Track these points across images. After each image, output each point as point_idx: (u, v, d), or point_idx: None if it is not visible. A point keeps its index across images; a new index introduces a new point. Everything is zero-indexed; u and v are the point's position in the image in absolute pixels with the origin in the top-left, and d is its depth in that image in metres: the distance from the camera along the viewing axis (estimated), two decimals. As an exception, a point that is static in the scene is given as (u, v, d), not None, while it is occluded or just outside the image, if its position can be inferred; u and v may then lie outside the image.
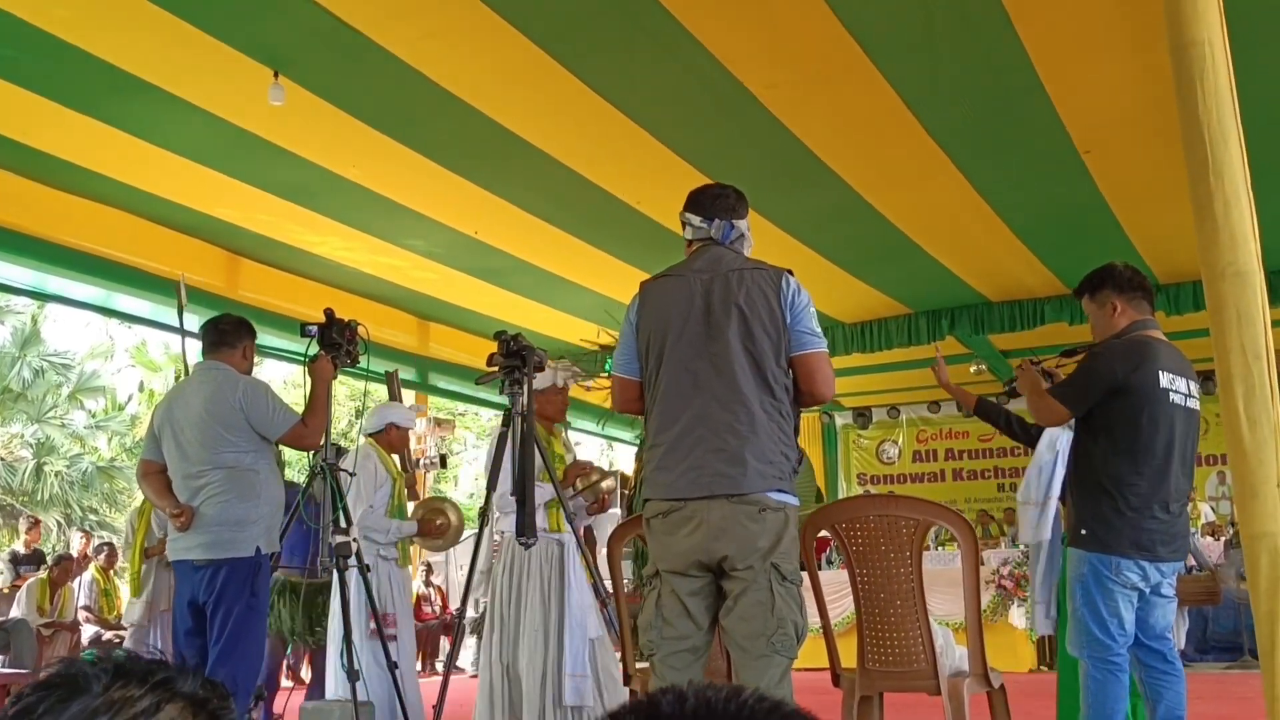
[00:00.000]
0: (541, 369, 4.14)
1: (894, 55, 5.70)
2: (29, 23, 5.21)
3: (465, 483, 27.03)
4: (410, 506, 5.51)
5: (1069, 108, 6.31)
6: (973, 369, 13.08)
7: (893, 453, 16.05)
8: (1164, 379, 3.41)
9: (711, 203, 3.06)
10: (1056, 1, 5.26)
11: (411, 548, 5.58)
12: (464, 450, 26.74)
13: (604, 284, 9.81)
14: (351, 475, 4.50)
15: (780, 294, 2.86)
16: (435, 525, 5.52)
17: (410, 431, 5.56)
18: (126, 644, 6.75)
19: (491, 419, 25.91)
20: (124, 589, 8.39)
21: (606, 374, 12.48)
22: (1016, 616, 9.15)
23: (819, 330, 2.93)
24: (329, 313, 4.18)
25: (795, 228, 8.28)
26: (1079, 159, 7.01)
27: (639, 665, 3.54)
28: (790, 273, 2.94)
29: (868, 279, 9.77)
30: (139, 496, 6.75)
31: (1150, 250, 8.71)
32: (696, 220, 3.03)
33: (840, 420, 16.36)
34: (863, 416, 16.04)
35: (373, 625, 4.50)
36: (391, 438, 5.31)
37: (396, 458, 5.31)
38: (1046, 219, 8.28)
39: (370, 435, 5.32)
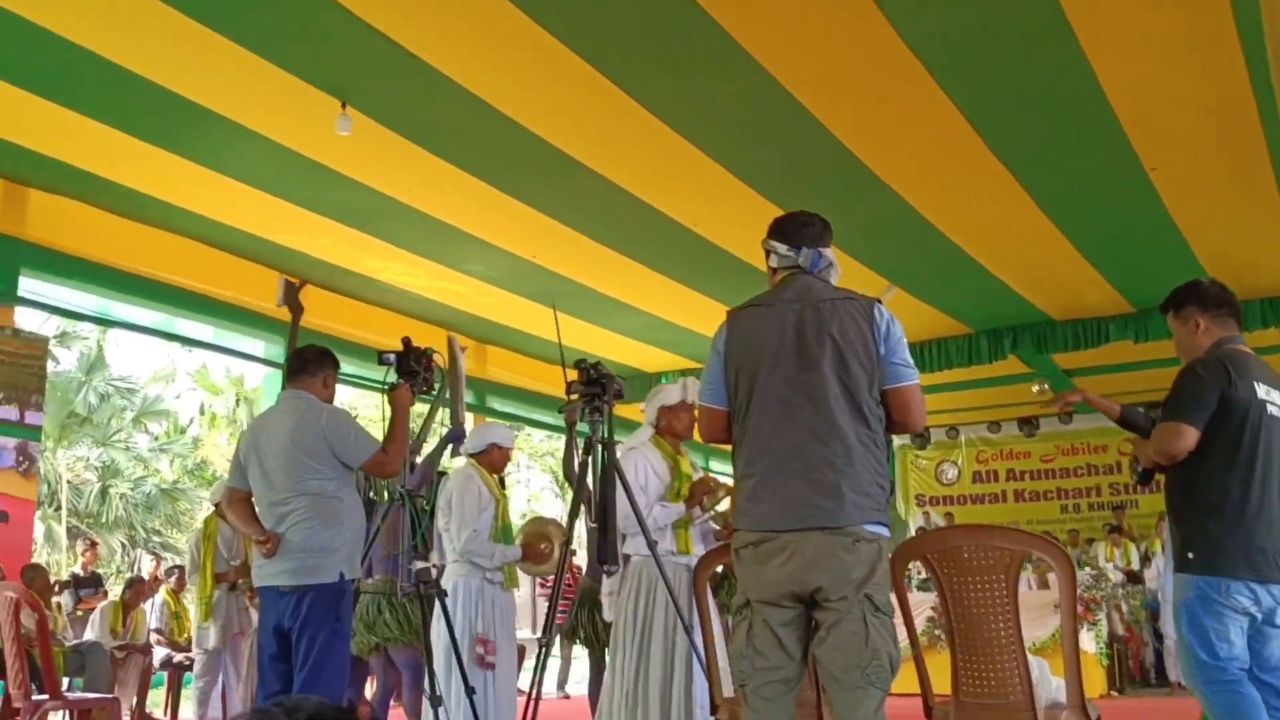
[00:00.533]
0: (621, 397, 4.13)
1: (953, 69, 5.67)
2: (100, 55, 5.34)
3: (518, 503, 27.14)
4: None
5: (1134, 122, 6.24)
6: (1035, 389, 12.99)
7: (952, 474, 15.88)
8: (1260, 390, 3.29)
9: (798, 231, 3.01)
10: (1120, 14, 5.21)
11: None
12: (517, 470, 26.87)
13: (658, 305, 9.84)
14: (428, 503, 4.52)
15: (874, 325, 2.83)
16: (539, 550, 5.34)
17: (511, 451, 5.42)
18: (196, 669, 6.81)
19: (544, 440, 26.02)
20: (192, 611, 8.51)
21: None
22: (1086, 640, 9.00)
23: (911, 361, 2.91)
24: (406, 341, 4.23)
25: (852, 245, 8.23)
26: (1145, 175, 6.93)
27: (727, 694, 3.51)
28: (879, 302, 2.91)
29: (927, 297, 9.70)
30: (199, 518, 6.85)
31: (1218, 268, 8.57)
32: (783, 248, 2.98)
33: (898, 440, 16.21)
34: (920, 437, 15.87)
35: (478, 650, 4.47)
36: (493, 457, 5.18)
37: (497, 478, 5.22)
38: (1111, 236, 8.18)
39: (472, 455, 5.21)
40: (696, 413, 4.47)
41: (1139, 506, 14.07)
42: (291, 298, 5.51)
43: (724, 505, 4.36)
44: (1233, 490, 3.22)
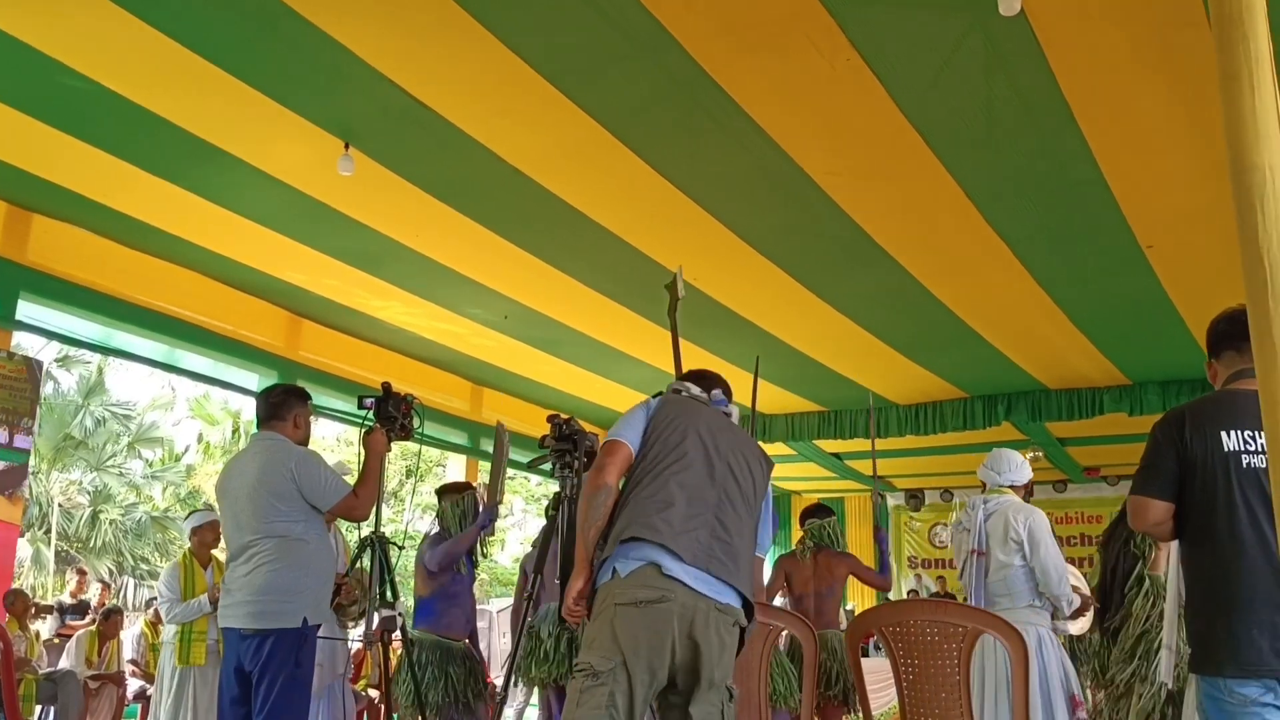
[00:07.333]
0: (594, 455, 4.13)
1: (955, 146, 5.73)
2: (112, 90, 5.40)
3: (512, 547, 27.02)
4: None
5: (1131, 202, 6.29)
6: (1029, 455, 12.95)
7: (945, 536, 15.82)
8: (1230, 440, 2.70)
9: (710, 381, 3.35)
10: (1119, 99, 5.28)
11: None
12: (510, 514, 26.77)
13: (659, 358, 9.85)
14: (400, 549, 4.50)
15: (767, 483, 3.13)
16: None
17: None
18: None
19: (540, 485, 25.98)
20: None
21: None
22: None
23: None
24: (386, 386, 4.25)
25: (853, 311, 8.31)
26: (1141, 253, 6.98)
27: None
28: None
29: (924, 362, 9.75)
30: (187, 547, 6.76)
31: (1212, 344, 8.60)
32: (696, 390, 3.36)
33: (892, 501, 16.19)
34: (915, 498, 15.87)
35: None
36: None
37: None
38: (1107, 311, 8.24)
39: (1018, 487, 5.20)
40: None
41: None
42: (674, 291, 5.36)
43: None
44: (1205, 567, 2.70)
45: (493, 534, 5.69)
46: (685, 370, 3.51)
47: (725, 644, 2.72)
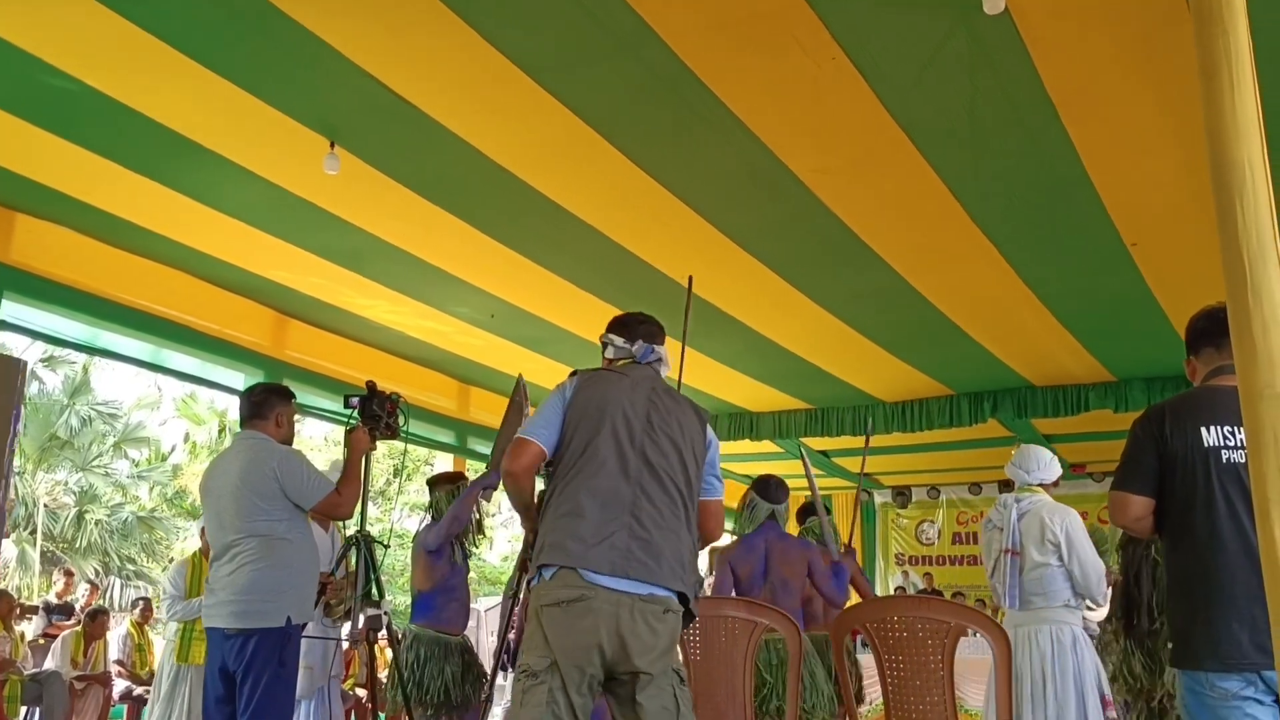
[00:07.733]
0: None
1: (940, 144, 5.74)
2: (95, 87, 5.38)
3: (500, 545, 26.99)
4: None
5: (1115, 200, 6.31)
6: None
7: (931, 533, 15.86)
8: (1209, 435, 2.72)
9: (635, 327, 3.41)
10: (1103, 98, 5.29)
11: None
12: (497, 514, 26.74)
13: (645, 356, 9.84)
14: (385, 547, 4.49)
15: (705, 436, 3.16)
16: None
17: None
18: None
19: (528, 483, 25.98)
20: (158, 644, 8.40)
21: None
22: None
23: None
24: (371, 385, 4.24)
25: (838, 307, 8.32)
26: (1125, 250, 7.00)
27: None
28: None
29: (909, 359, 9.76)
30: (177, 548, 6.76)
31: (1197, 341, 8.62)
32: (619, 341, 3.29)
33: (879, 498, 16.22)
34: (902, 495, 15.89)
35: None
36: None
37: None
38: (1092, 307, 8.26)
39: (1047, 485, 5.22)
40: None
41: (1117, 572, 14.03)
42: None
43: None
44: (1185, 563, 2.71)
45: (489, 499, 5.70)
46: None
47: (656, 631, 2.80)
